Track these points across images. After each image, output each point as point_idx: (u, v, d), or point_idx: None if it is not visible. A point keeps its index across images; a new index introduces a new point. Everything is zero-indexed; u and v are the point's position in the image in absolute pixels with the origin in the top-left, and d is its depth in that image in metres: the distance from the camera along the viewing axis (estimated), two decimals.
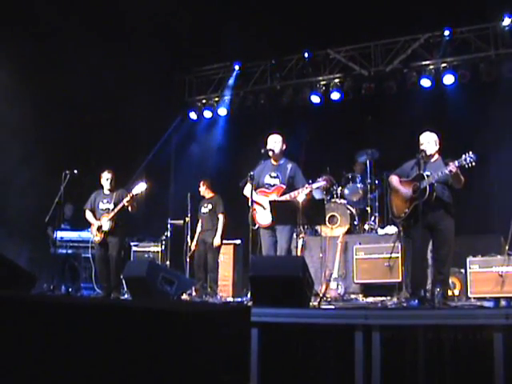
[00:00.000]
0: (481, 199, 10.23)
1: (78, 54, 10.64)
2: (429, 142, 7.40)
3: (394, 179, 7.63)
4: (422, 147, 7.34)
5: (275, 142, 8.26)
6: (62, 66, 10.62)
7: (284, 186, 8.05)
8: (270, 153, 8.21)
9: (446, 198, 7.22)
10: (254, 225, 8.05)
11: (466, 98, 10.94)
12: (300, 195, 7.88)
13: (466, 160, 6.80)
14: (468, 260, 8.63)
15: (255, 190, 8.06)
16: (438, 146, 7.45)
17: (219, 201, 10.23)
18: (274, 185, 8.13)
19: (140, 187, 9.21)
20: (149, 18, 10.95)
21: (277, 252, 7.98)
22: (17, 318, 3.37)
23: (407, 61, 11.75)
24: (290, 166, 8.17)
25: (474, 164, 6.79)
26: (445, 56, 11.41)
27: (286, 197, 7.93)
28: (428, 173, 7.12)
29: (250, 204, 7.85)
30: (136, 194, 9.20)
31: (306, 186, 7.97)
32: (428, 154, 7.29)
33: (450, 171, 6.91)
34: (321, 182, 8.12)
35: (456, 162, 6.86)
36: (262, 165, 8.35)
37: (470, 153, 6.82)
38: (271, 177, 8.19)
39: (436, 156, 7.44)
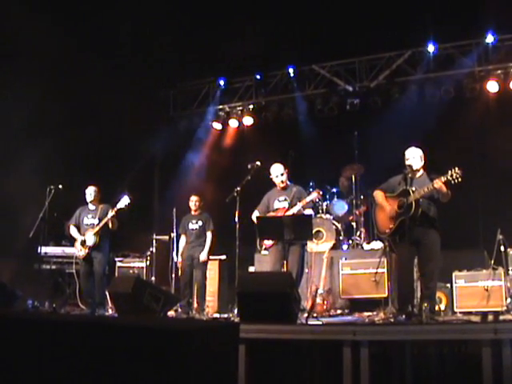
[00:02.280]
0: (465, 214, 10.26)
1: (63, 70, 10.61)
2: (414, 157, 7.38)
3: (380, 195, 7.60)
4: (407, 162, 7.33)
5: (282, 175, 8.49)
6: (47, 81, 10.57)
7: (287, 207, 8.30)
8: (277, 181, 8.51)
9: (432, 213, 7.20)
10: (261, 247, 8.62)
11: (449, 112, 11.00)
12: (295, 207, 8.16)
13: (451, 176, 6.78)
14: (454, 275, 8.68)
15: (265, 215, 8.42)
16: (423, 162, 7.45)
17: (209, 218, 10.17)
18: (280, 208, 8.41)
19: (124, 201, 9.18)
20: (133, 33, 10.98)
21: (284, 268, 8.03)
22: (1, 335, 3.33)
23: (392, 76, 11.81)
24: (294, 189, 8.47)
25: (459, 180, 6.77)
26: (429, 72, 11.49)
27: (289, 212, 8.15)
28: (413, 188, 7.11)
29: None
30: (120, 208, 9.16)
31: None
32: (414, 169, 7.29)
33: (435, 187, 6.91)
34: (313, 195, 8.34)
35: (442, 178, 6.86)
36: (269, 193, 8.68)
37: (456, 168, 6.79)
38: (279, 201, 8.48)
39: (421, 171, 7.44)
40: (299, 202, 8.26)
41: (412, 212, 6.99)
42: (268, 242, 8.30)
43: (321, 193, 8.48)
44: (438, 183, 6.86)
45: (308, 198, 8.26)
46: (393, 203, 7.34)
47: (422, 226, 7.10)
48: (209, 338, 3.17)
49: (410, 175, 7.22)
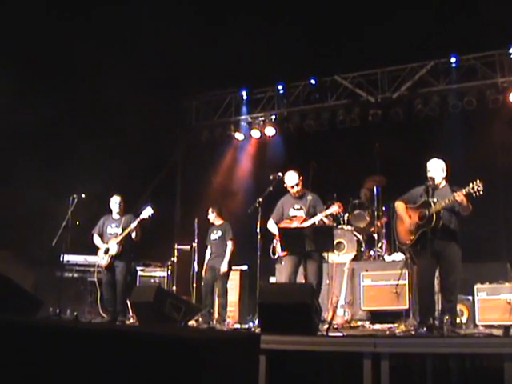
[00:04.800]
0: (488, 226, 10.19)
1: (85, 80, 10.74)
2: (436, 168, 7.33)
3: (401, 206, 7.55)
4: (429, 174, 7.29)
5: (296, 185, 8.43)
6: (74, 89, 10.72)
7: (304, 216, 8.27)
8: (292, 191, 8.46)
9: (453, 225, 7.14)
10: (274, 254, 8.46)
11: (472, 123, 10.95)
12: (316, 217, 8.14)
13: (473, 188, 6.72)
14: (476, 287, 8.61)
15: (279, 223, 8.37)
16: (445, 173, 7.39)
17: (228, 227, 10.21)
18: (297, 216, 8.37)
19: (147, 212, 9.25)
20: (156, 44, 11.07)
21: (296, 279, 8.11)
22: (21, 342, 3.35)
23: (414, 87, 11.79)
24: (310, 197, 8.41)
25: (481, 192, 6.69)
26: (451, 83, 11.45)
27: (309, 222, 8.13)
28: (435, 200, 7.07)
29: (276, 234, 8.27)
30: (143, 219, 9.23)
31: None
32: (435, 181, 7.25)
33: (456, 200, 6.84)
34: (334, 208, 8.23)
35: (463, 190, 6.79)
36: (282, 199, 8.64)
37: (478, 181, 6.71)
38: (295, 209, 8.44)
39: (443, 183, 7.39)
40: (318, 212, 8.26)
41: (433, 224, 6.94)
42: (281, 252, 8.28)
43: (341, 207, 8.34)
44: (460, 196, 6.79)
45: (328, 211, 8.20)
46: (414, 214, 7.29)
47: (443, 238, 7.04)
48: (229, 348, 3.18)
49: (431, 187, 7.18)
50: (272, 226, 8.47)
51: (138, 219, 9.26)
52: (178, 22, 10.73)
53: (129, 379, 3.00)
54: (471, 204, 6.96)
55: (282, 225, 8.31)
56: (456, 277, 7.11)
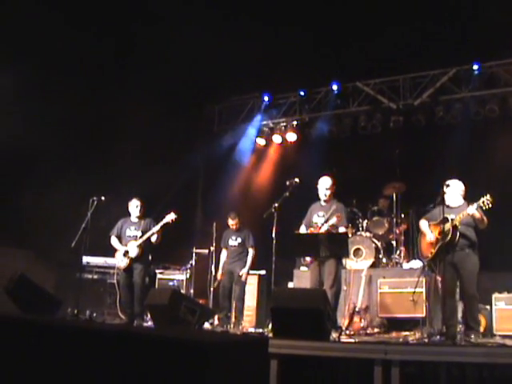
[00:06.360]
0: (508, 235, 10.10)
1: (108, 85, 10.88)
2: (455, 191, 7.71)
3: (423, 223, 7.99)
4: (446, 197, 7.60)
5: (327, 189, 8.68)
6: (95, 94, 10.84)
7: (320, 224, 8.47)
8: (322, 197, 8.68)
9: (470, 237, 7.50)
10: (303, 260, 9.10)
11: (493, 132, 10.86)
12: (324, 226, 8.39)
13: (483, 202, 7.18)
14: (493, 296, 8.56)
15: (307, 230, 8.63)
16: (462, 193, 7.79)
17: (250, 234, 10.29)
18: (317, 223, 8.57)
19: (170, 216, 9.34)
20: (180, 49, 11.15)
21: (322, 285, 8.18)
22: (39, 341, 3.42)
23: (436, 94, 11.74)
24: (334, 206, 8.58)
25: (490, 205, 7.16)
26: (473, 90, 11.39)
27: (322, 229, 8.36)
28: (453, 216, 7.46)
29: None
30: (166, 223, 9.32)
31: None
32: (452, 206, 7.67)
33: (469, 214, 7.31)
34: (333, 219, 8.37)
35: (474, 205, 7.25)
36: (312, 205, 8.87)
37: (488, 196, 7.18)
38: (318, 216, 8.64)
39: (462, 201, 7.74)
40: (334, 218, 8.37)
41: (449, 238, 7.39)
42: (308, 258, 8.43)
43: (340, 218, 8.47)
44: (471, 210, 7.26)
45: (330, 222, 8.37)
46: (434, 230, 7.73)
47: (462, 250, 7.45)
48: (236, 351, 3.21)
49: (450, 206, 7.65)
50: (302, 231, 8.68)
51: (162, 223, 9.35)
52: (200, 26, 10.78)
53: (137, 380, 3.05)
54: (487, 217, 7.36)
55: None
56: (475, 288, 7.41)
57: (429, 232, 7.79)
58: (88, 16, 10.22)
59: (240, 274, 10.06)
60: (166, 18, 10.50)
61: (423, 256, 7.99)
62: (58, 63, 10.32)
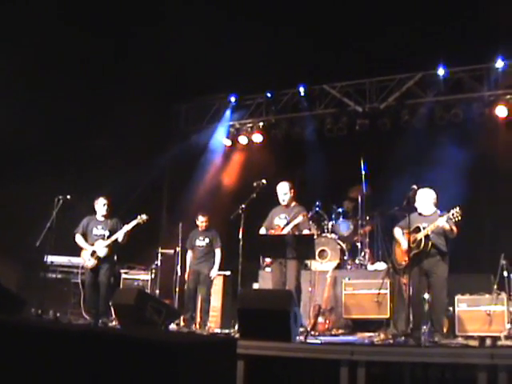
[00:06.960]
0: (470, 238, 10.25)
1: (76, 79, 10.78)
2: (426, 200, 8.00)
3: (398, 231, 8.20)
4: (418, 205, 7.98)
5: (285, 194, 8.81)
6: (62, 93, 10.73)
7: (282, 225, 8.55)
8: (281, 199, 8.79)
9: (441, 246, 7.80)
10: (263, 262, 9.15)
11: (457, 137, 11.00)
12: (287, 227, 8.48)
13: (453, 215, 7.46)
14: (456, 298, 8.66)
15: (267, 231, 8.73)
16: (434, 201, 8.03)
17: (217, 235, 10.26)
18: (279, 225, 8.67)
19: (141, 217, 9.33)
20: (147, 47, 11.11)
21: (284, 285, 8.26)
22: (1, 342, 3.38)
23: (402, 98, 11.87)
24: (296, 209, 8.74)
25: (459, 218, 7.45)
26: (438, 95, 11.53)
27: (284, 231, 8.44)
28: (425, 224, 7.76)
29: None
30: (137, 224, 9.29)
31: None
32: (424, 214, 7.96)
33: (439, 225, 7.59)
34: (299, 218, 8.52)
35: (444, 217, 7.54)
36: (274, 209, 8.97)
37: (457, 208, 7.48)
38: (280, 218, 8.74)
39: (433, 209, 7.98)
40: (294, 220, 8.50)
41: (422, 247, 7.68)
42: (267, 259, 8.47)
43: (306, 216, 8.72)
44: (442, 222, 7.56)
45: (295, 221, 8.49)
46: (408, 239, 7.86)
47: (433, 258, 7.76)
48: (205, 352, 3.22)
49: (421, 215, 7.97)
50: (263, 232, 8.75)
51: (133, 223, 9.33)
52: (168, 26, 10.76)
53: (105, 380, 3.04)
54: (456, 226, 7.67)
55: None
56: (445, 294, 7.79)
57: (403, 240, 7.99)
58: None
59: (210, 274, 10.02)
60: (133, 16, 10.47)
61: (398, 263, 8.22)
62: (34, 58, 10.21)
